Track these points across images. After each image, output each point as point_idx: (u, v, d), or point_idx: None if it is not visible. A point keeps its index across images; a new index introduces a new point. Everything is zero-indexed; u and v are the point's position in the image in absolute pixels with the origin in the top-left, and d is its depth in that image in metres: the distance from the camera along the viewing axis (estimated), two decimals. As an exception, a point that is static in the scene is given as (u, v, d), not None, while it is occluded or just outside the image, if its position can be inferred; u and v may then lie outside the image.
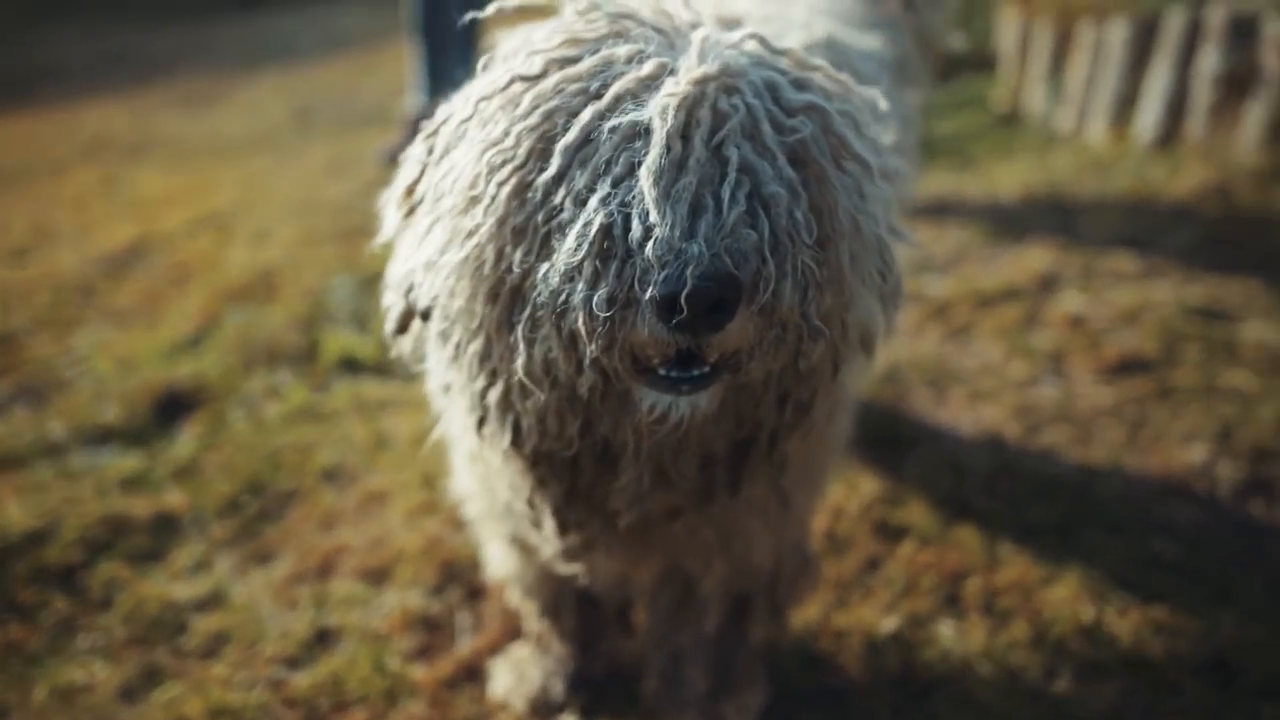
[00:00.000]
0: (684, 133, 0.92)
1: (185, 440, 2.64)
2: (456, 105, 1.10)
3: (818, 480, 1.47)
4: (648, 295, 0.87)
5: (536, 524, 1.27)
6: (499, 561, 1.65)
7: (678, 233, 0.86)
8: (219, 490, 2.39)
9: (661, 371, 0.95)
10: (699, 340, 0.90)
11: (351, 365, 2.96)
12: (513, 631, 1.88)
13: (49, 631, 1.97)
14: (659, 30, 1.03)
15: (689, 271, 0.85)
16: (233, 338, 3.19)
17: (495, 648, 1.86)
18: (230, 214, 4.58)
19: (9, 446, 2.63)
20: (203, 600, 2.04)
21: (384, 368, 2.94)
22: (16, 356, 3.23)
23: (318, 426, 2.65)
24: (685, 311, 0.85)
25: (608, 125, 0.93)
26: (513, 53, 1.08)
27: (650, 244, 0.86)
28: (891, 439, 2.33)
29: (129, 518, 2.29)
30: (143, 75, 8.56)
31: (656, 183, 0.88)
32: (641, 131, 0.93)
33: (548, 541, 1.33)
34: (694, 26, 1.04)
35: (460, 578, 2.03)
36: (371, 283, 3.43)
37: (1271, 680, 1.65)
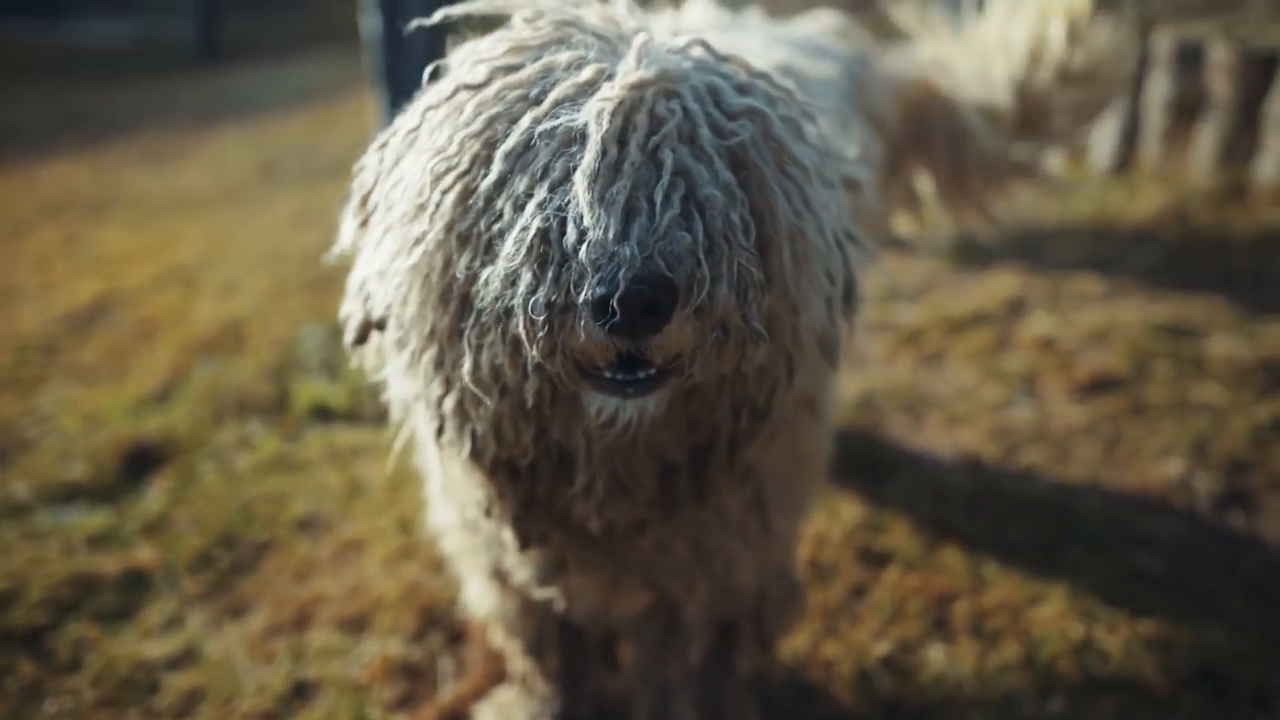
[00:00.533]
0: (620, 137, 0.92)
1: (155, 495, 2.58)
2: (407, 116, 1.10)
3: (800, 503, 1.46)
4: (582, 298, 0.86)
5: (499, 540, 1.26)
6: (479, 598, 1.61)
7: (610, 236, 0.86)
8: (190, 544, 2.33)
9: (607, 375, 0.94)
10: (637, 343, 0.89)
11: (323, 413, 2.92)
12: (497, 675, 1.84)
13: (15, 697, 1.90)
14: (602, 37, 1.04)
15: (621, 274, 0.84)
16: (202, 390, 3.14)
17: (479, 693, 1.82)
18: (196, 268, 4.53)
19: (-29, 509, 2.56)
20: (175, 658, 1.98)
21: (356, 415, 2.90)
22: (-22, 417, 3.16)
23: (291, 476, 2.60)
24: (619, 314, 0.85)
25: (543, 130, 0.94)
26: (460, 62, 1.08)
27: (584, 248, 0.86)
28: (870, 465, 2.32)
29: (97, 576, 2.23)
30: (103, 134, 8.52)
31: (590, 187, 0.88)
32: (578, 136, 0.93)
33: (522, 566, 1.30)
34: (638, 32, 1.04)
35: (441, 622, 1.99)
36: (342, 331, 3.40)
37: (1264, 689, 1.65)
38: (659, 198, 0.89)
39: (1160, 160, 3.96)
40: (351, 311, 1.15)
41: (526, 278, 0.90)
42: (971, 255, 3.57)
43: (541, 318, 0.89)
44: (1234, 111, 3.67)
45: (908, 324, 3.02)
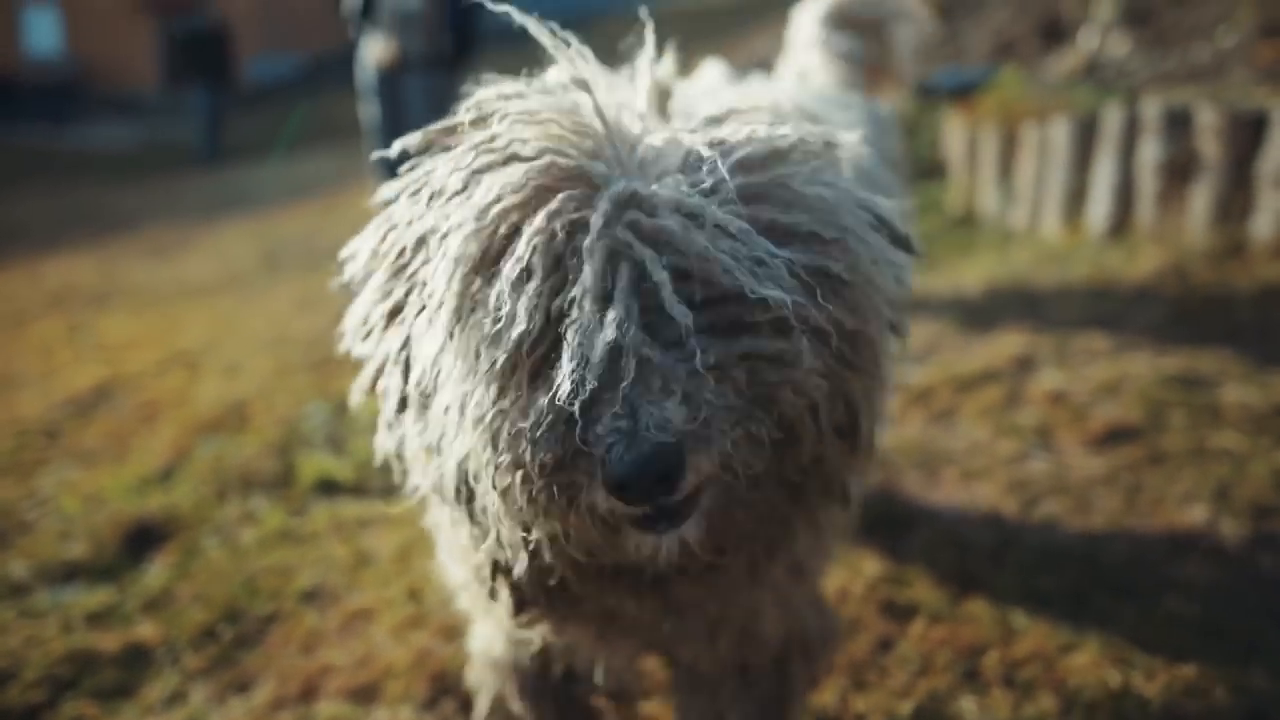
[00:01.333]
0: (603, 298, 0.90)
1: (156, 571, 2.52)
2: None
3: (828, 543, 1.41)
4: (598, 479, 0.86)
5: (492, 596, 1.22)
6: (486, 640, 1.55)
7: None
8: (193, 619, 2.27)
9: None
10: (662, 501, 0.89)
11: (329, 487, 2.88)
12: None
13: (9, 778, 1.82)
14: (581, 173, 0.98)
15: (624, 458, 0.84)
16: (205, 468, 3.11)
17: (495, 760, 1.74)
18: (200, 352, 4.53)
19: (-32, 590, 2.50)
20: (177, 734, 1.91)
21: (362, 488, 2.86)
22: (-23, 501, 3.11)
23: (296, 549, 2.55)
24: (635, 490, 0.85)
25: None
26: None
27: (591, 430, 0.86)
28: (888, 520, 2.28)
29: (96, 653, 2.16)
30: (108, 229, 8.64)
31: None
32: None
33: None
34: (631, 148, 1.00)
35: (454, 690, 1.92)
36: (346, 407, 3.38)
37: (1313, 733, 1.58)
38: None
39: (1155, 222, 4.00)
40: (391, 385, 1.12)
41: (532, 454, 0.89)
42: (974, 318, 3.58)
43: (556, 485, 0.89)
44: (1225, 172, 3.73)
45: (917, 384, 3.01)
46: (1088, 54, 5.63)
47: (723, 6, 25.93)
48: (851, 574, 2.08)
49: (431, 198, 1.04)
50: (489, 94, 1.09)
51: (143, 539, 2.70)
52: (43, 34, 30.67)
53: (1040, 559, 2.09)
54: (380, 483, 2.85)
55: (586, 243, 0.91)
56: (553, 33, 1.11)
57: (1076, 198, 4.37)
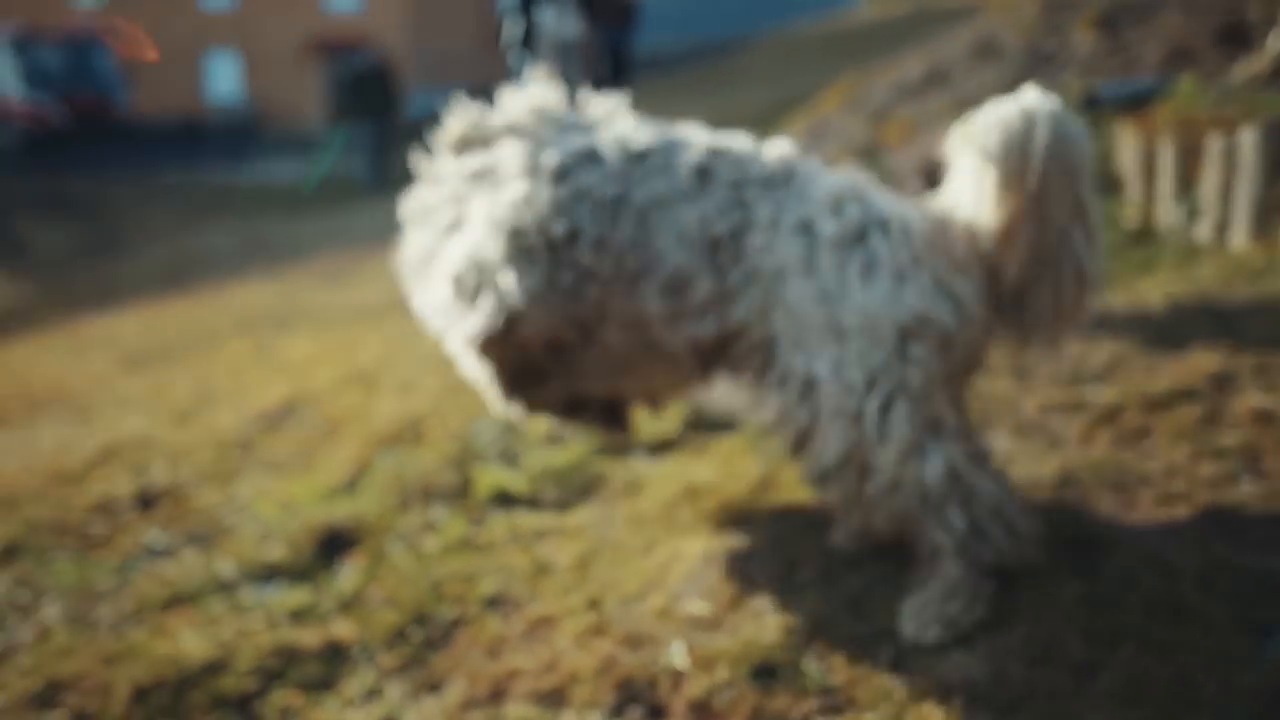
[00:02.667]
0: None
1: (348, 574, 2.66)
2: None
3: None
4: None
5: None
6: None
7: None
8: (384, 620, 2.38)
9: None
10: None
11: (505, 499, 2.97)
12: (700, 751, 1.77)
13: (229, 760, 1.95)
14: None
15: None
16: (386, 480, 3.26)
17: (683, 769, 1.75)
18: (376, 370, 4.77)
19: (182, 585, 2.70)
20: (378, 727, 2.00)
21: (537, 500, 2.94)
22: (185, 506, 3.36)
23: (477, 556, 2.64)
24: None
25: None
26: None
27: None
28: (1082, 542, 2.18)
29: (299, 648, 2.29)
30: (285, 258, 9.22)
31: None
32: None
33: None
34: None
35: (640, 697, 1.94)
36: (518, 424, 3.49)
37: None
38: None
39: (1365, 233, 3.70)
40: None
41: None
42: (1160, 335, 3.40)
43: None
44: None
45: (1102, 402, 2.87)
46: (1276, 57, 5.28)
47: (876, 28, 25.52)
48: (1045, 597, 2.00)
49: None
50: None
51: (334, 543, 2.86)
52: (223, 78, 33.09)
53: (1257, 587, 1.95)
54: (554, 495, 2.93)
55: None
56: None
57: (1269, 210, 4.09)
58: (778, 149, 2.11)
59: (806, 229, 1.95)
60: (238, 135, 26.67)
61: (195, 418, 4.50)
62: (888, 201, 2.00)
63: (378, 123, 13.92)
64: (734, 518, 2.51)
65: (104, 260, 11.76)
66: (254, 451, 3.87)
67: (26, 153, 22.30)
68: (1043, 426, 2.86)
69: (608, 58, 5.74)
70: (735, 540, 2.39)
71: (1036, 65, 6.48)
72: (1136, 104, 5.33)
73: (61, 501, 3.53)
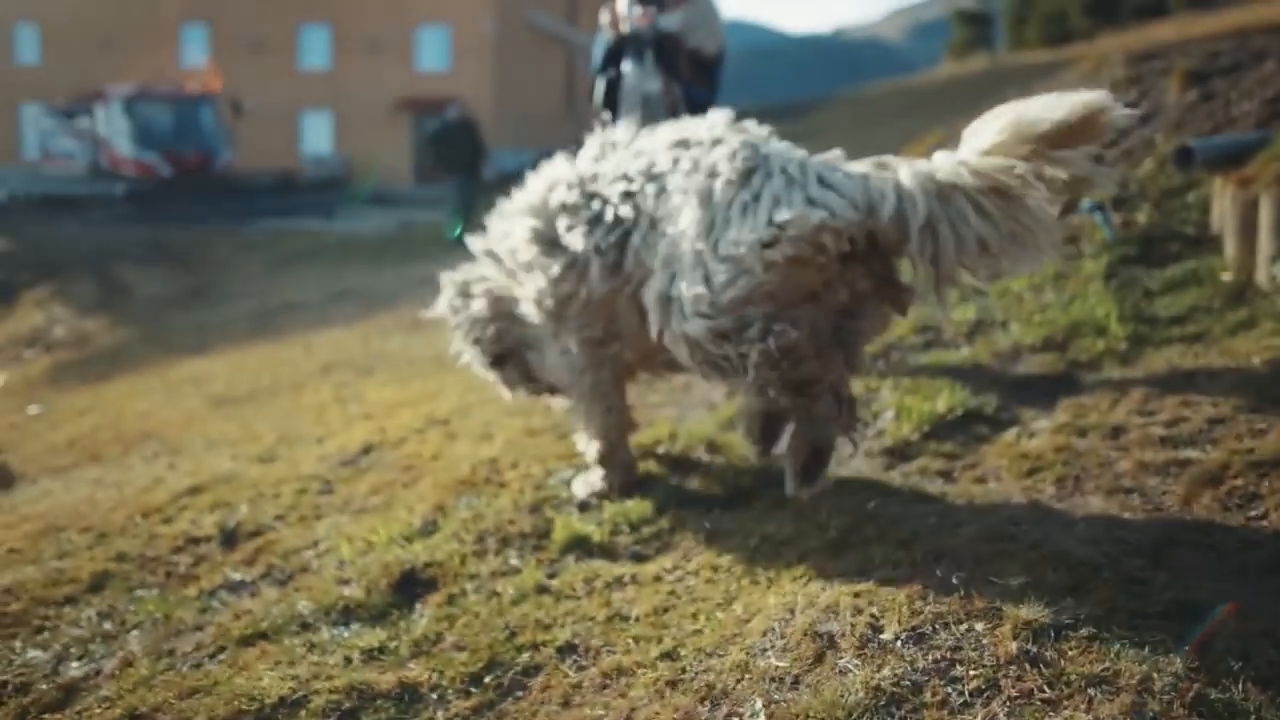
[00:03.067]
0: None
1: (424, 617, 2.66)
2: None
3: None
4: None
5: None
6: None
7: None
8: (459, 664, 2.36)
9: None
10: None
11: (581, 546, 2.95)
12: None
13: (301, 800, 1.94)
14: None
15: None
16: (463, 524, 3.27)
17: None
18: (454, 416, 4.82)
19: (261, 622, 2.73)
20: (450, 772, 1.97)
21: (613, 549, 2.91)
22: (266, 544, 3.42)
23: (552, 604, 2.62)
24: None
25: None
26: None
27: None
28: (1184, 607, 2.05)
29: (374, 688, 2.29)
30: (370, 306, 9.46)
31: None
32: None
33: None
34: None
35: (717, 754, 1.88)
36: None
37: None
38: None
39: None
40: None
41: None
42: (1265, 397, 3.24)
43: None
44: None
45: (1205, 464, 2.74)
46: (1385, 112, 5.08)
47: (953, 86, 25.46)
48: (1152, 665, 1.89)
49: None
50: None
51: (410, 585, 2.86)
52: (317, 136, 34.47)
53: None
54: (631, 544, 2.90)
55: None
56: None
57: (1383, 268, 3.90)
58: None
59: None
60: (328, 189, 27.65)
61: (279, 458, 4.60)
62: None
63: (465, 176, 14.31)
64: (814, 571, 2.44)
65: (198, 306, 12.22)
66: (335, 493, 3.93)
67: (132, 205, 23.44)
68: (1141, 488, 2.74)
69: (687, 112, 5.81)
70: (816, 594, 2.33)
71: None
72: (1233, 159, 5.16)
73: (149, 536, 3.63)
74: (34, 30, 36.14)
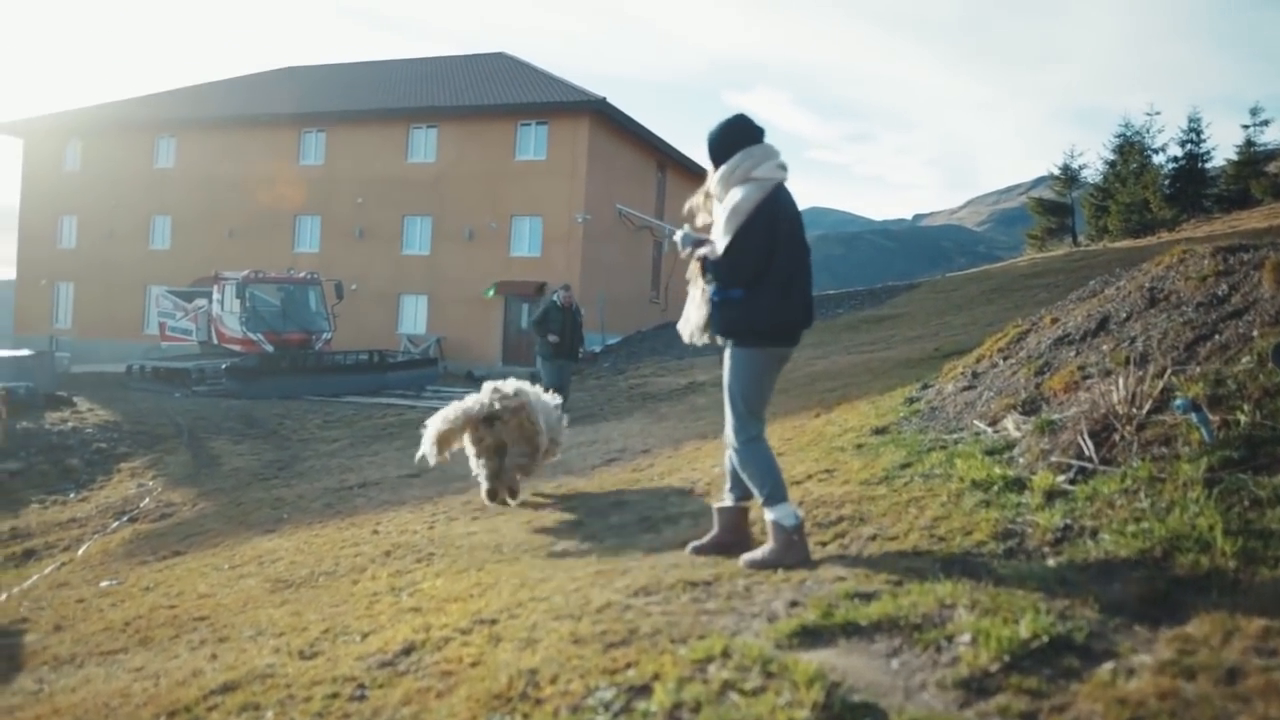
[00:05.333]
0: None
1: None
2: None
3: None
4: None
5: None
6: None
7: None
8: None
9: None
10: None
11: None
12: None
13: None
14: None
15: None
16: (491, 746, 2.99)
17: None
18: (502, 615, 4.59)
19: None
20: None
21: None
22: (284, 758, 3.18)
23: None
24: None
25: None
26: None
27: None
28: None
29: None
30: (440, 489, 9.41)
31: None
32: None
33: None
34: None
35: None
36: (640, 692, 3.20)
37: None
38: None
39: None
40: None
41: None
42: None
43: None
44: None
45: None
46: None
47: (1033, 274, 25.38)
48: None
49: None
50: None
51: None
52: (412, 317, 36.05)
53: None
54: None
55: None
56: None
57: None
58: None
59: None
60: (421, 368, 28.62)
61: (320, 653, 4.41)
62: None
63: (563, 360, 14.59)
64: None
65: (279, 481, 12.40)
66: (367, 699, 3.70)
67: (234, 378, 24.53)
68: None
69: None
70: None
71: (1212, 313, 6.05)
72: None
73: (168, 742, 3.43)
74: (167, 220, 39.32)
